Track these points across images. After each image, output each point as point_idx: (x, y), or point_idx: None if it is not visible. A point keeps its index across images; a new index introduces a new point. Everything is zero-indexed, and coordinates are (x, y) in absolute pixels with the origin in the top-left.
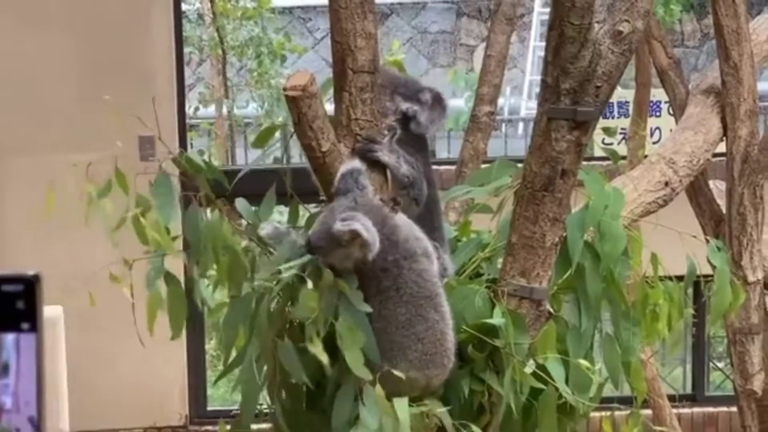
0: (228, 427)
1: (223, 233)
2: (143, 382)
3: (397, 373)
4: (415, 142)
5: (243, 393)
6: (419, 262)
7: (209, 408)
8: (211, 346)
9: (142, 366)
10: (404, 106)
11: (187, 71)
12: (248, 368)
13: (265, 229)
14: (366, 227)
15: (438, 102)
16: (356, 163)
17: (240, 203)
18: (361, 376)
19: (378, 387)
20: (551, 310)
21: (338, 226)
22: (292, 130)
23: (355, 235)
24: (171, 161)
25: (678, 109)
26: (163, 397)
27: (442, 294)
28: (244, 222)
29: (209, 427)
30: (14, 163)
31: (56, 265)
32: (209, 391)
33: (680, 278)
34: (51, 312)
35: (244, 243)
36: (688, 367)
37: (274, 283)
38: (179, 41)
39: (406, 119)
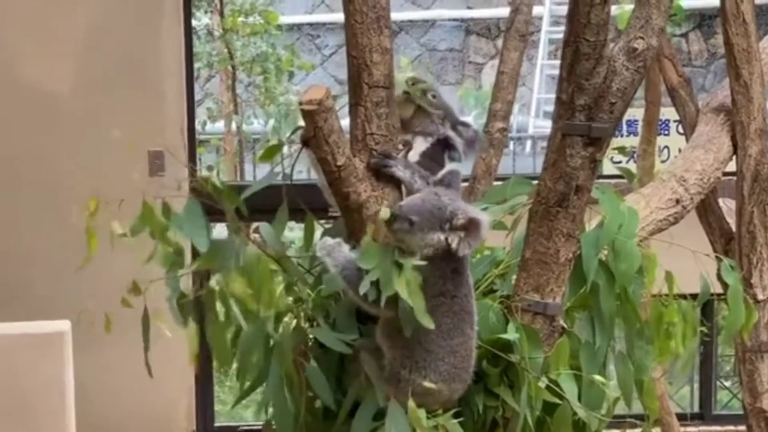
0: None
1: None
2: (150, 397)
3: (427, 384)
4: (438, 160)
5: (277, 423)
6: (471, 275)
7: (216, 424)
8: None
9: (148, 381)
10: (451, 133)
11: (196, 87)
12: (280, 396)
13: (317, 245)
14: (486, 221)
15: (476, 141)
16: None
17: (264, 229)
18: (425, 324)
19: (410, 401)
20: (564, 326)
21: (459, 207)
22: (300, 146)
23: (472, 223)
24: (196, 182)
25: (688, 128)
26: (169, 412)
27: (476, 312)
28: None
29: None
30: (25, 177)
31: (66, 278)
32: (216, 407)
33: (691, 296)
34: (59, 326)
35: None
36: (696, 385)
37: (301, 302)
38: (189, 57)
39: (443, 144)
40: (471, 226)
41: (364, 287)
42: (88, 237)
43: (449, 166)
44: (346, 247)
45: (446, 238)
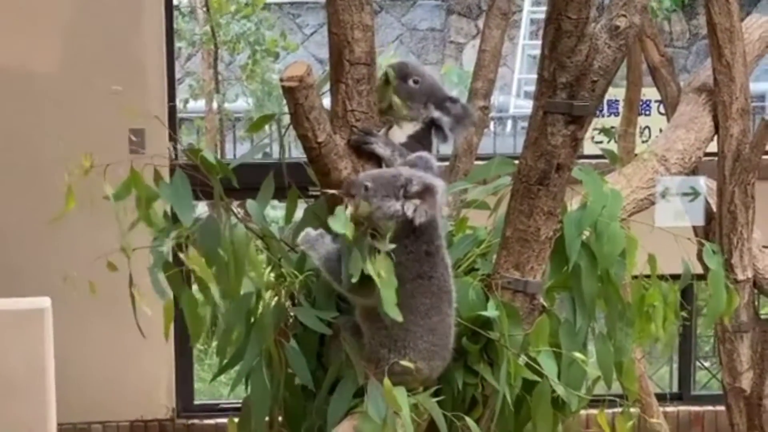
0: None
1: (251, 252)
2: (130, 375)
3: (405, 363)
4: (425, 143)
5: (254, 400)
6: (447, 254)
7: (196, 401)
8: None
9: (129, 359)
10: (435, 114)
11: (177, 65)
12: (258, 373)
13: (300, 237)
14: (441, 187)
15: (465, 116)
16: (432, 157)
17: (251, 206)
18: (393, 316)
19: (385, 379)
20: (545, 304)
21: (414, 173)
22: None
23: (427, 189)
24: (186, 154)
25: (670, 107)
26: (150, 390)
27: (454, 291)
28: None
29: (196, 421)
30: (4, 156)
31: (45, 256)
32: (196, 385)
33: (671, 276)
34: (39, 304)
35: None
36: (674, 365)
37: (283, 280)
38: (170, 35)
39: (430, 126)
40: (426, 193)
41: (345, 276)
42: (67, 195)
43: (420, 152)
44: (328, 239)
45: (402, 206)
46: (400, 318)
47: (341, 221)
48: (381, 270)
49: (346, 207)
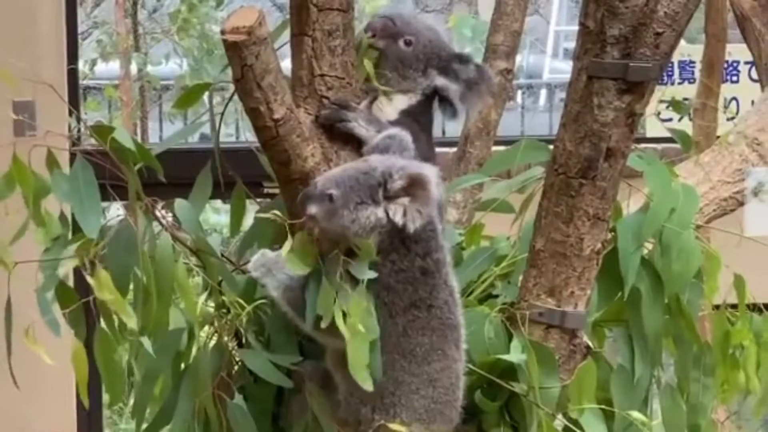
0: None
1: (180, 273)
2: None
3: (396, 427)
4: (421, 116)
5: None
6: (452, 275)
7: None
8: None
9: (16, 420)
10: (439, 82)
11: (81, 14)
12: None
13: (251, 262)
14: (433, 174)
15: (481, 81)
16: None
17: (180, 208)
18: (363, 384)
19: None
20: (590, 344)
21: (393, 162)
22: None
23: (415, 182)
24: (91, 134)
25: (765, 71)
26: None
27: (463, 326)
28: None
29: None
30: None
31: None
32: None
33: (767, 308)
34: None
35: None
36: None
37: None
38: None
39: (433, 98)
40: (414, 187)
41: (310, 312)
42: None
43: (389, 129)
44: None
45: (386, 211)
46: (370, 387)
47: (303, 258)
48: (355, 312)
49: (307, 233)
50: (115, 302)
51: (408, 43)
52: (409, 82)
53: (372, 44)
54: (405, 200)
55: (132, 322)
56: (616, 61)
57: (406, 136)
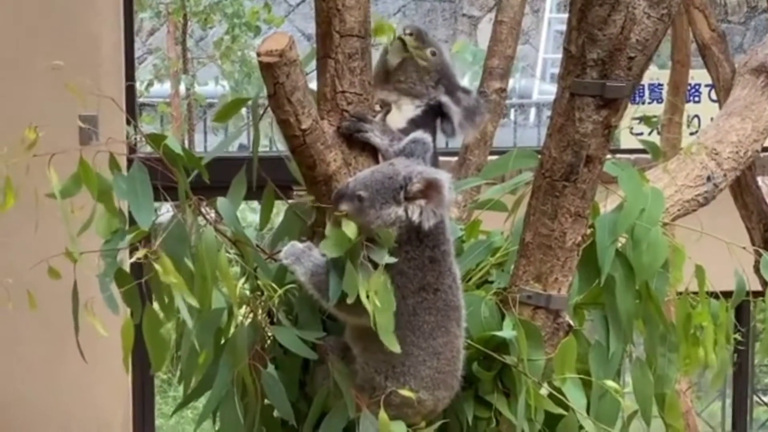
0: None
1: (222, 261)
2: (78, 408)
3: (405, 393)
4: (426, 126)
5: None
6: (454, 264)
7: None
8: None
9: (75, 390)
10: (444, 99)
11: (138, 41)
12: (229, 404)
13: (283, 251)
14: (447, 180)
15: (477, 112)
16: (428, 138)
17: (222, 205)
18: (391, 347)
19: (381, 412)
20: (571, 323)
21: (413, 171)
22: (266, 106)
23: (431, 186)
24: (147, 141)
25: (722, 92)
26: (101, 428)
27: (464, 307)
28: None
29: None
30: None
31: None
32: (157, 421)
33: (723, 294)
34: None
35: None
36: (728, 401)
37: (260, 294)
38: (129, 4)
39: (436, 112)
40: (430, 190)
41: (334, 294)
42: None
43: (414, 134)
44: (316, 251)
45: (406, 210)
46: (397, 348)
47: (337, 244)
48: (377, 289)
49: (339, 224)
50: (177, 285)
51: (433, 54)
52: (422, 88)
53: (409, 42)
54: (422, 201)
55: (192, 301)
56: (595, 81)
57: (428, 138)
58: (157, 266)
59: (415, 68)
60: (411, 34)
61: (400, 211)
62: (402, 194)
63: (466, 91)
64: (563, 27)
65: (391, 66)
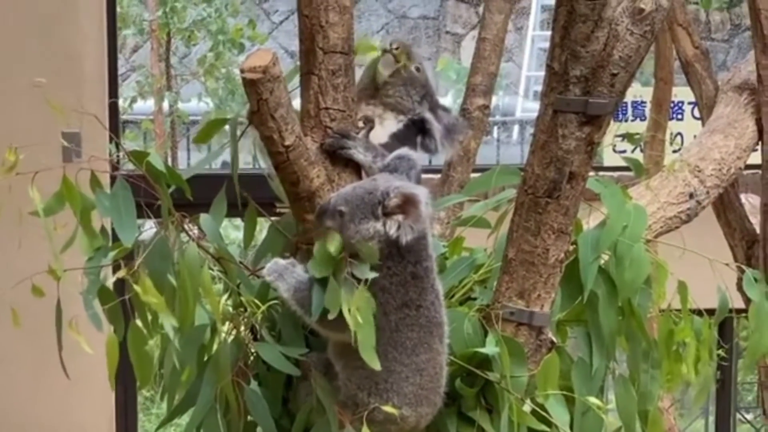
0: None
1: (205, 277)
2: (64, 428)
3: (388, 409)
4: (407, 140)
5: None
6: (437, 280)
7: None
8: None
9: (62, 409)
10: (428, 116)
11: (121, 58)
12: (211, 423)
13: (266, 268)
14: (424, 195)
15: (456, 130)
16: (414, 154)
17: (205, 221)
18: (371, 364)
19: (364, 428)
20: (554, 340)
21: (391, 183)
22: (246, 125)
23: (408, 201)
24: (129, 158)
25: (705, 109)
26: None
27: (447, 323)
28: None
29: None
30: None
31: None
32: None
33: (706, 311)
34: None
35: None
36: (711, 418)
37: (243, 310)
38: (112, 19)
39: (418, 127)
40: (407, 205)
41: (316, 309)
42: None
43: (399, 150)
44: (299, 268)
45: (384, 225)
46: (378, 366)
47: (323, 263)
48: (358, 305)
49: (324, 242)
50: (157, 305)
51: (417, 69)
52: (407, 102)
53: (395, 54)
54: (400, 216)
55: (172, 321)
56: (578, 98)
57: (413, 155)
58: (136, 287)
59: (402, 82)
60: (397, 48)
61: (379, 225)
62: (380, 209)
63: (446, 110)
64: (546, 45)
65: (382, 79)
